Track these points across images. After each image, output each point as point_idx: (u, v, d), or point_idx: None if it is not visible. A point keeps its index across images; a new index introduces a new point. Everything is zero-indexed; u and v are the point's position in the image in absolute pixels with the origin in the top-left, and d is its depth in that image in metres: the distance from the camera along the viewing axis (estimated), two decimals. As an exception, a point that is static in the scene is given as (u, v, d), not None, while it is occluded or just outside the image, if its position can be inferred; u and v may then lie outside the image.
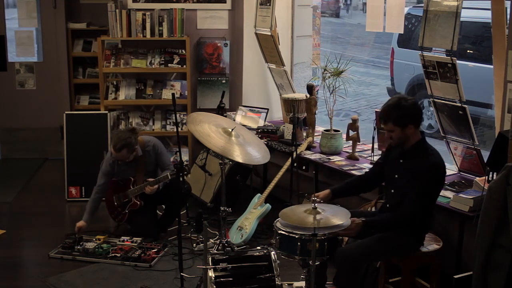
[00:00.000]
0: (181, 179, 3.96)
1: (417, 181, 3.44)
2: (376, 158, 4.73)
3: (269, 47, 5.76)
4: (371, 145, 4.79)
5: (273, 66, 5.88)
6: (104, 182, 4.93)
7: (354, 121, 4.88)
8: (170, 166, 4.93)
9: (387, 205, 3.68)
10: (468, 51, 7.20)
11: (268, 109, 5.78)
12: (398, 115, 3.50)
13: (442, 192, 4.01)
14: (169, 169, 4.87)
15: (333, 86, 5.00)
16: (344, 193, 3.92)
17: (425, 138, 3.60)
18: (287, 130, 5.30)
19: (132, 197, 4.89)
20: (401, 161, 3.60)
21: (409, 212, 3.48)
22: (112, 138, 4.76)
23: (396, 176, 3.61)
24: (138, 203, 4.91)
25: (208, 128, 3.80)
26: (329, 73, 5.02)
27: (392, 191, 3.64)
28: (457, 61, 3.99)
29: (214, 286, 3.43)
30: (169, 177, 4.67)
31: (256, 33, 5.87)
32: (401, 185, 3.57)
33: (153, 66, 6.10)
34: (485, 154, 3.79)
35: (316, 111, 5.22)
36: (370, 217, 3.57)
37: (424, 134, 3.63)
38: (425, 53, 4.18)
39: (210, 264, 3.47)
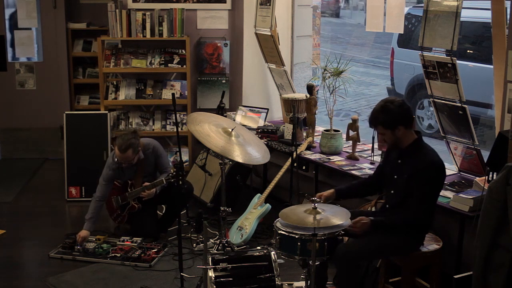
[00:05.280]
0: (180, 181, 3.95)
1: (417, 180, 3.45)
2: (376, 158, 4.74)
3: (269, 47, 5.76)
4: (371, 145, 4.79)
5: (273, 66, 5.88)
6: (105, 190, 4.86)
7: (354, 121, 4.88)
8: (168, 169, 4.93)
9: (387, 206, 3.69)
10: (468, 51, 7.20)
11: (268, 109, 5.78)
12: (385, 118, 3.51)
13: (442, 192, 4.01)
14: (167, 171, 4.87)
15: (333, 86, 5.00)
16: (349, 194, 3.93)
17: (421, 137, 3.60)
18: (287, 130, 5.30)
19: (131, 200, 4.89)
20: (399, 161, 3.61)
21: (414, 214, 3.49)
22: (116, 141, 4.74)
23: (395, 176, 3.62)
24: (136, 206, 4.90)
25: (208, 128, 3.80)
26: (329, 73, 5.02)
27: (392, 191, 3.65)
28: (457, 61, 3.99)
29: (214, 286, 3.43)
30: (164, 182, 4.67)
31: (256, 33, 5.87)
32: (400, 185, 3.57)
33: (153, 66, 6.10)
34: (485, 154, 3.78)
35: (316, 111, 5.22)
36: (377, 217, 3.58)
37: (421, 134, 3.64)
38: (425, 53, 4.18)
39: (210, 264, 3.47)
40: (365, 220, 3.48)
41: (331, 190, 3.83)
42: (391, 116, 3.50)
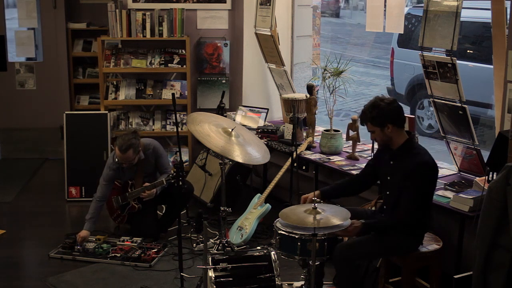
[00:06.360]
0: (180, 181, 3.95)
1: (408, 181, 3.46)
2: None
3: (269, 47, 5.76)
4: (371, 145, 4.79)
5: (273, 66, 5.88)
6: (106, 190, 4.86)
7: (354, 121, 4.88)
8: (168, 169, 4.93)
9: (385, 207, 3.71)
10: (468, 51, 7.20)
11: (268, 109, 5.78)
12: (374, 115, 3.51)
13: (442, 192, 4.02)
14: (167, 172, 4.87)
15: (333, 86, 5.00)
16: (334, 194, 3.91)
17: (413, 138, 3.60)
18: (287, 130, 5.30)
19: (131, 200, 4.89)
20: (391, 162, 3.62)
21: (404, 215, 3.49)
22: (116, 141, 4.74)
23: (389, 178, 3.63)
24: (136, 206, 4.90)
25: (208, 128, 3.80)
26: (329, 73, 5.02)
27: (388, 192, 3.66)
28: (457, 61, 3.99)
29: (214, 286, 3.43)
30: (165, 183, 4.67)
31: (256, 33, 5.87)
32: (393, 186, 3.59)
33: (153, 66, 6.10)
34: (485, 154, 3.78)
35: (316, 111, 5.22)
36: (369, 219, 3.59)
37: (412, 134, 3.64)
38: (425, 53, 4.18)
39: (210, 264, 3.47)
40: (356, 223, 3.48)
41: (317, 192, 3.81)
42: (380, 114, 3.50)
